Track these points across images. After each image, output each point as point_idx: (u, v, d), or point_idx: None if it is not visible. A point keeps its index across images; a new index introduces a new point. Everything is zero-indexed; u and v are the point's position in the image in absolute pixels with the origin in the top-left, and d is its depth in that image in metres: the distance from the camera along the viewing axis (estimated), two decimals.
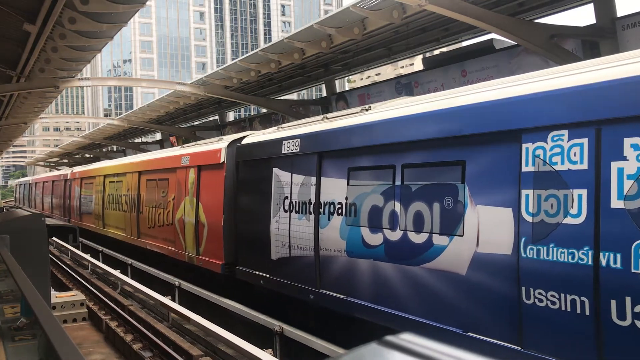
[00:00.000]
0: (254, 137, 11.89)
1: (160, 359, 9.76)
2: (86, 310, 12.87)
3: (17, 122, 28.15)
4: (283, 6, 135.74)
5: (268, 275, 10.28)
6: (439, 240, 6.74)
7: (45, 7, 10.60)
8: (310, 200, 9.11)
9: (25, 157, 77.01)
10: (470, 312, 6.31)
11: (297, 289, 9.34)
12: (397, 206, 7.38)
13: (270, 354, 8.45)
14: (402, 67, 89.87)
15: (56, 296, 12.75)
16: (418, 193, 7.13)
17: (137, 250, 18.27)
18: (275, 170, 10.25)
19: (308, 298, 9.00)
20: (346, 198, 8.28)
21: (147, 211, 16.86)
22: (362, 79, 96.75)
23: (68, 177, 30.10)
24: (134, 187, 18.24)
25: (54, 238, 23.64)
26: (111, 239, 21.12)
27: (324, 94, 24.28)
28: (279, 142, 10.24)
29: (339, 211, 8.36)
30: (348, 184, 8.30)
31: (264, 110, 27.29)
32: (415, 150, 7.24)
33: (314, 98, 57.84)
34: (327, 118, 9.63)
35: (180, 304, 12.16)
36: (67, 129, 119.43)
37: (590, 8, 13.14)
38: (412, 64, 79.67)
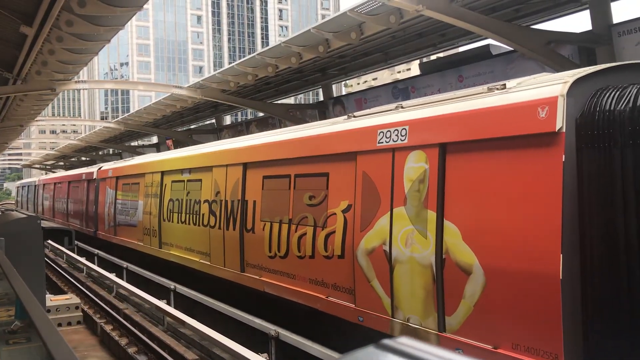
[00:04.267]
0: None
1: None
2: (81, 313, 12.83)
3: (13, 124, 28.10)
4: (280, 10, 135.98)
5: None
6: None
7: (43, 10, 10.60)
8: None
9: (21, 160, 76.77)
10: None
11: None
12: None
13: (265, 358, 8.44)
14: (399, 72, 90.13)
15: (51, 299, 12.72)
16: None
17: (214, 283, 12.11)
18: None
19: None
20: None
21: (265, 229, 10.09)
22: (358, 84, 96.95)
23: (94, 177, 23.04)
24: (232, 189, 11.38)
25: (49, 241, 23.59)
26: (173, 265, 14.38)
27: (321, 98, 24.33)
28: None
29: None
30: None
31: (261, 114, 27.33)
32: None
33: (310, 102, 57.91)
34: None
35: (175, 307, 12.12)
36: (63, 131, 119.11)
37: (586, 14, 13.23)
38: (409, 69, 79.94)
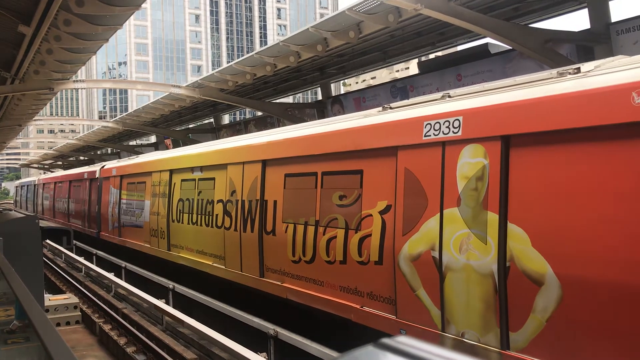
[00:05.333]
0: None
1: None
2: (80, 313, 12.83)
3: (12, 124, 28.07)
4: (279, 9, 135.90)
5: None
6: None
7: (41, 9, 10.58)
8: None
9: (19, 159, 76.71)
10: None
11: None
12: None
13: (264, 357, 8.44)
14: (398, 70, 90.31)
15: (49, 299, 12.72)
16: None
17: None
18: None
19: None
20: None
21: (287, 231, 9.27)
22: (357, 83, 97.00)
23: (97, 176, 22.11)
24: (250, 188, 10.57)
25: (47, 240, 23.58)
26: (182, 268, 13.57)
27: (319, 97, 24.34)
28: None
29: None
30: None
31: (260, 113, 27.34)
32: None
33: (309, 101, 57.89)
34: None
35: (174, 307, 12.12)
36: (61, 131, 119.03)
37: (584, 13, 13.24)
38: (408, 68, 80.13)
